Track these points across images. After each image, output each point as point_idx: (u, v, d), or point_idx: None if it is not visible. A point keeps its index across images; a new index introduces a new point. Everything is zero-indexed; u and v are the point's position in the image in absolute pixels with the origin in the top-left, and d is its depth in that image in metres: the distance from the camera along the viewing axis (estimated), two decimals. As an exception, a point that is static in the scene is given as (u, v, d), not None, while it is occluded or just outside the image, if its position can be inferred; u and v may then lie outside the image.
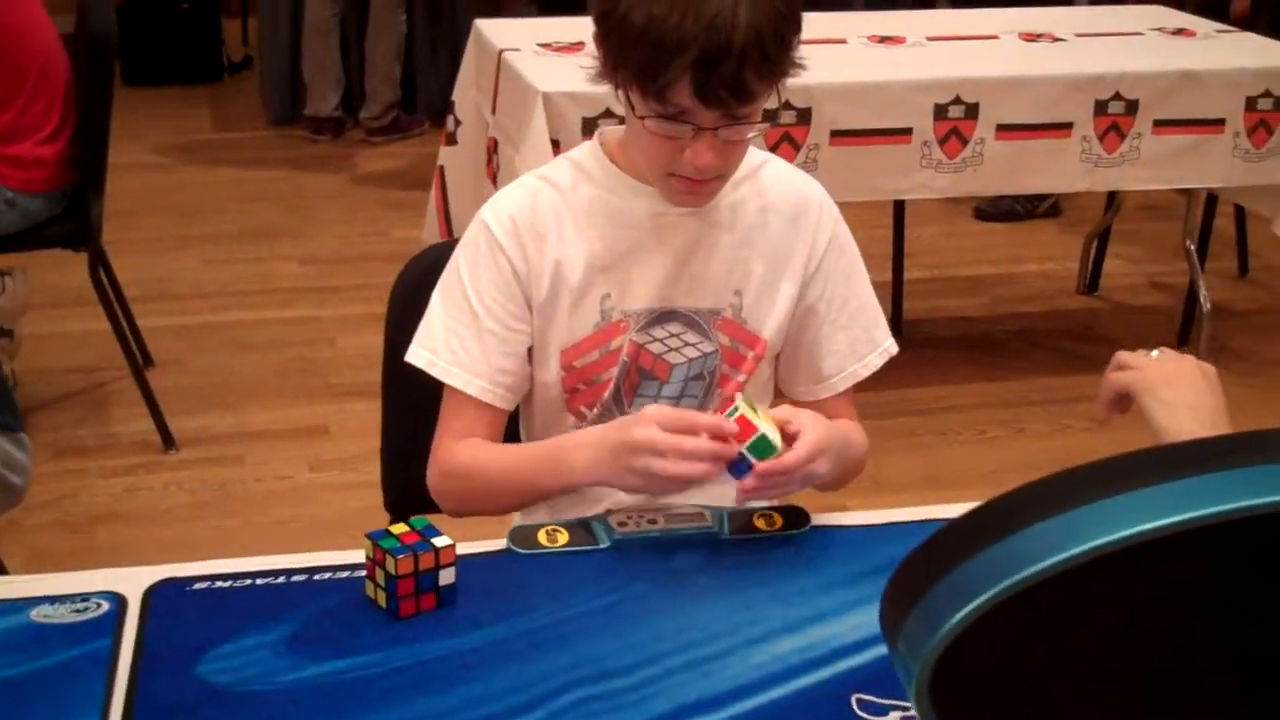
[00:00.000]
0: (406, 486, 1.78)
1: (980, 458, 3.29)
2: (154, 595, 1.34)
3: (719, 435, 1.37)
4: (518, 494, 1.57)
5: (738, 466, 1.38)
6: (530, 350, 1.57)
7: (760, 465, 1.37)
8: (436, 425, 1.59)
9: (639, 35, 1.38)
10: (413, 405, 1.70)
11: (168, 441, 3.24)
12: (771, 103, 1.49)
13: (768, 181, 1.61)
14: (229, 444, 3.28)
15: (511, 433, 1.66)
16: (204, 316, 3.94)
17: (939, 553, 0.61)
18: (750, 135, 1.48)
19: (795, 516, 1.48)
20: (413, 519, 1.36)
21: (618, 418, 1.52)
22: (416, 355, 1.56)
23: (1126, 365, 1.35)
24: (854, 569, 1.39)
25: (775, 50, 1.40)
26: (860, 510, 2.77)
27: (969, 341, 3.93)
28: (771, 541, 1.45)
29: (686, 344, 1.58)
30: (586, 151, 1.60)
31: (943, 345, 3.88)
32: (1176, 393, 1.31)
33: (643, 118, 1.44)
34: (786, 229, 1.59)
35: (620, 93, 1.47)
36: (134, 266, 3.93)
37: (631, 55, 1.40)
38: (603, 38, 1.45)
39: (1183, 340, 3.88)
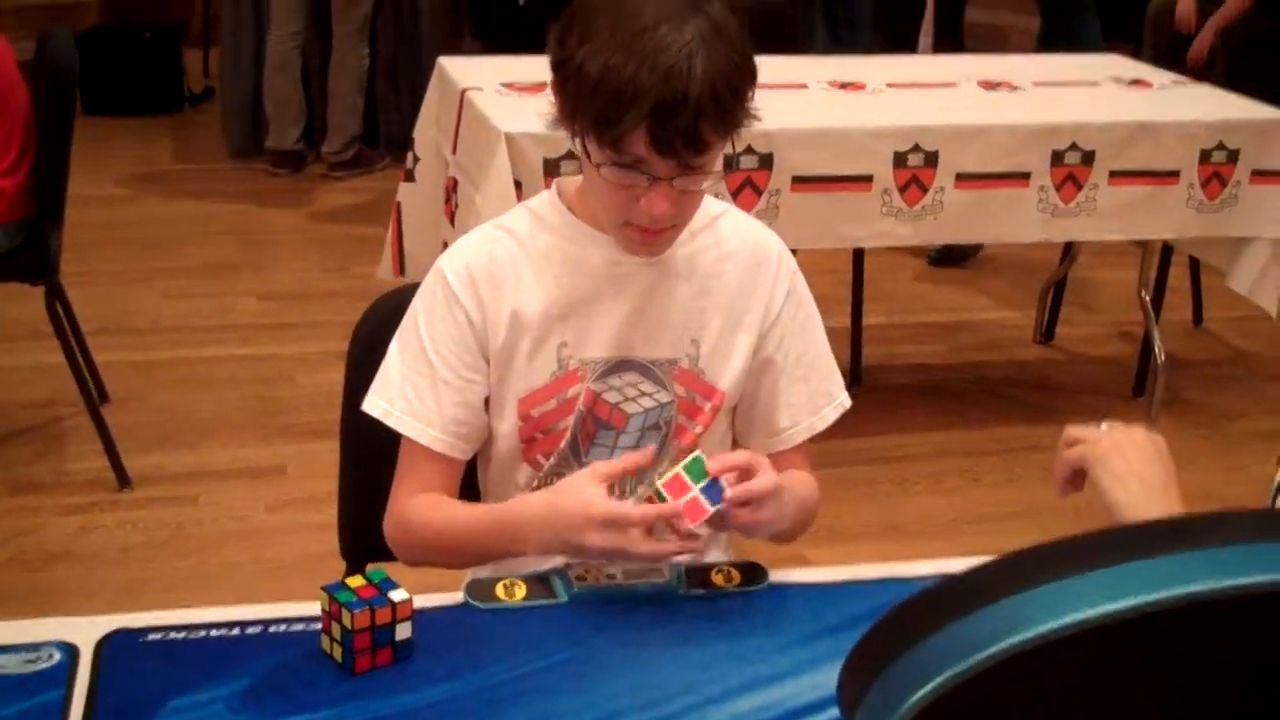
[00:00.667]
0: (364, 534, 1.77)
1: (938, 507, 3.30)
2: (106, 646, 1.33)
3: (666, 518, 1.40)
4: (469, 555, 1.58)
5: (710, 494, 1.39)
6: (487, 401, 1.58)
7: (733, 493, 1.39)
8: (394, 477, 1.59)
9: (595, 85, 1.39)
10: (371, 453, 1.69)
11: (123, 480, 3.20)
12: (732, 148, 1.50)
13: (725, 232, 1.61)
14: (185, 483, 3.25)
15: (469, 479, 1.66)
16: (162, 352, 3.92)
17: (900, 628, 0.61)
18: (705, 185, 1.49)
19: (753, 572, 1.48)
20: (369, 570, 1.35)
21: (567, 475, 1.52)
22: (373, 405, 1.57)
23: (1077, 440, 1.37)
24: (812, 627, 1.39)
25: (730, 101, 1.41)
26: (819, 560, 2.78)
27: (926, 389, 3.95)
28: (730, 598, 1.45)
29: (643, 393, 1.58)
30: (544, 200, 1.60)
31: (900, 392, 3.90)
32: (1127, 464, 1.33)
33: (598, 165, 1.45)
34: (744, 280, 1.60)
35: (576, 140, 1.48)
36: (91, 299, 3.90)
37: (588, 104, 1.41)
38: (559, 85, 1.46)
39: (1137, 391, 3.92)
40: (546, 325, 1.55)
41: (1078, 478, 1.38)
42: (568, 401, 1.57)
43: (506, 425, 1.58)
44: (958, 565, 1.50)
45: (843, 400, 1.67)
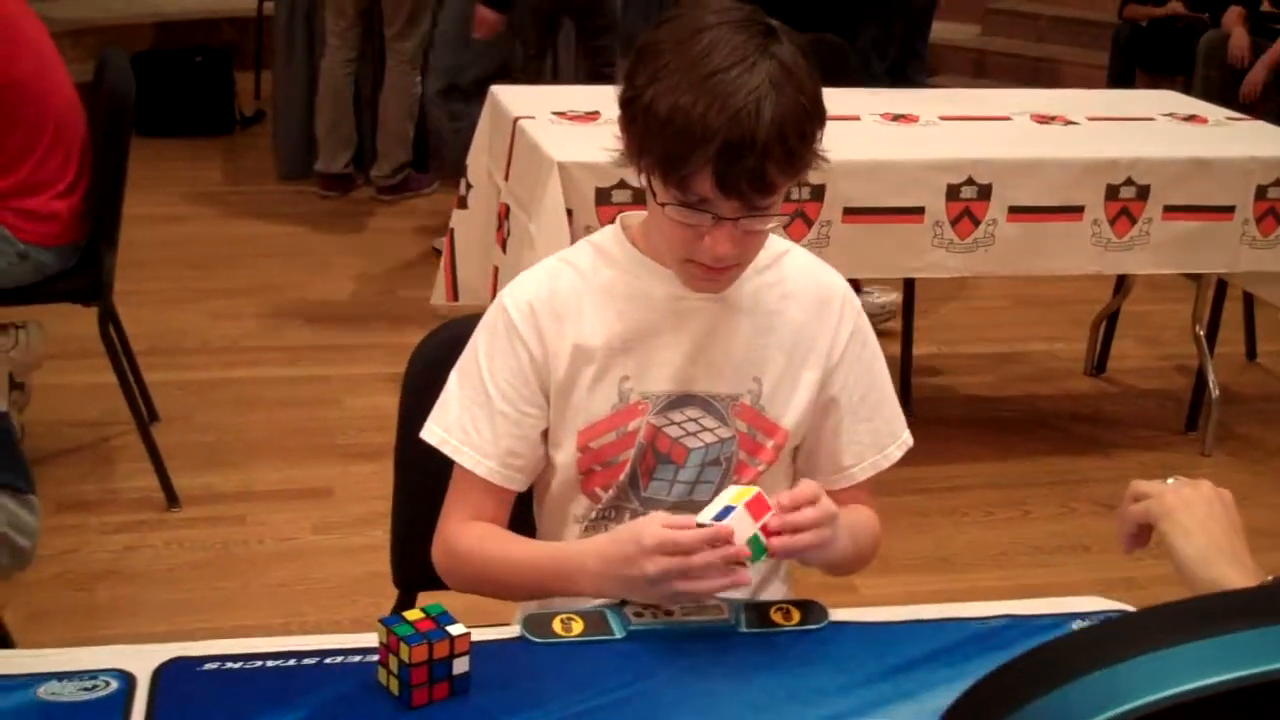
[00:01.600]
0: (416, 561, 1.77)
1: (988, 539, 3.28)
2: (163, 675, 1.32)
3: (718, 542, 1.37)
4: (520, 590, 1.59)
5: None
6: (545, 433, 1.58)
7: (786, 502, 1.39)
8: (444, 501, 1.59)
9: (663, 124, 1.39)
10: (425, 480, 1.69)
11: (171, 499, 3.22)
12: (797, 189, 1.49)
13: (789, 270, 1.61)
14: (232, 503, 3.26)
15: (522, 509, 1.65)
16: (211, 372, 3.94)
17: (984, 704, 0.60)
18: (770, 226, 1.48)
19: (813, 611, 1.46)
20: (427, 605, 1.34)
21: (624, 508, 1.51)
22: (430, 433, 1.58)
23: (1143, 495, 1.36)
24: (873, 669, 1.38)
25: (798, 145, 1.41)
26: (869, 590, 2.75)
27: (977, 420, 3.93)
28: (789, 637, 1.43)
29: (704, 428, 1.57)
30: (608, 235, 1.61)
31: (951, 423, 3.87)
32: (1194, 519, 1.31)
33: (663, 204, 1.45)
34: (808, 318, 1.60)
35: (643, 177, 1.48)
36: (142, 319, 3.93)
37: (654, 143, 1.41)
38: (627, 123, 1.46)
39: (1190, 426, 3.88)
40: (608, 358, 1.55)
41: (1144, 533, 1.37)
42: (628, 435, 1.56)
43: (565, 456, 1.57)
44: (1015, 605, 1.49)
45: (906, 439, 1.66)
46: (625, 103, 1.46)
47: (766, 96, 1.37)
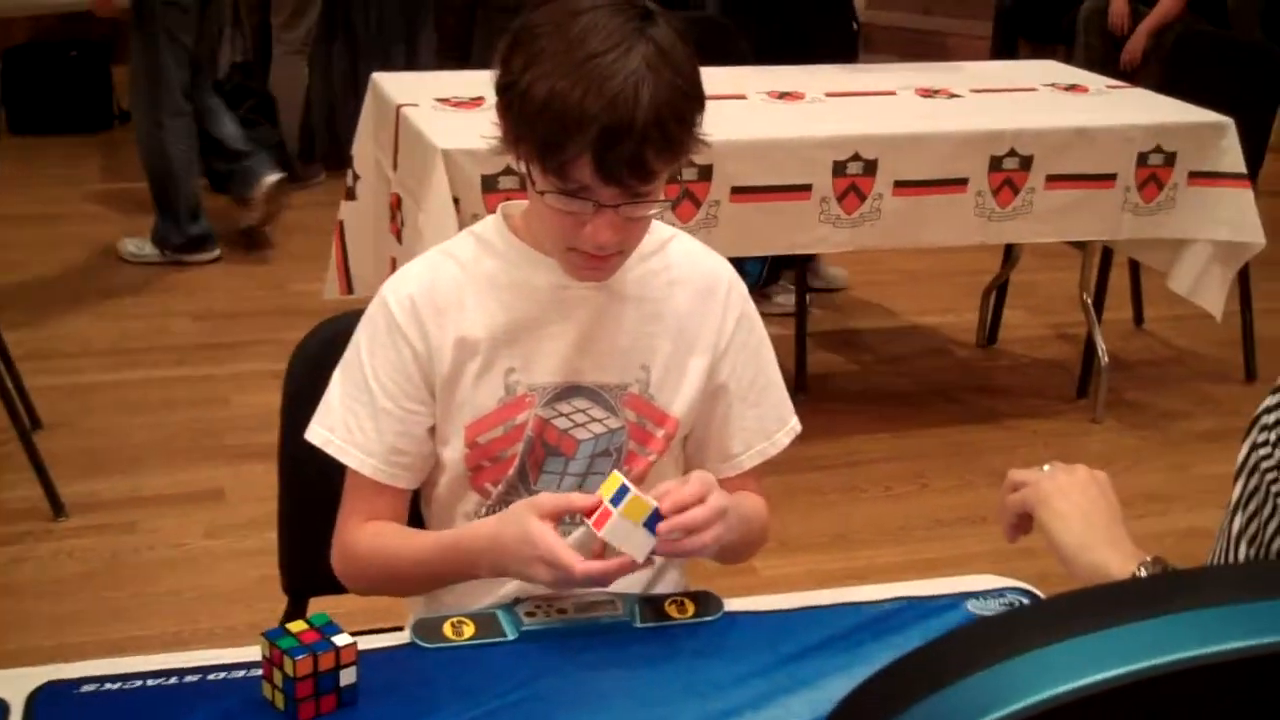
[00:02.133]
0: (305, 566, 1.74)
1: (887, 514, 3.29)
2: (38, 701, 1.27)
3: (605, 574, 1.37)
4: (420, 583, 1.57)
5: (647, 523, 1.35)
6: (432, 430, 1.55)
7: (669, 506, 1.36)
8: (340, 506, 1.56)
9: (540, 110, 1.36)
10: (311, 482, 1.66)
11: (57, 508, 3.13)
12: (679, 174, 1.47)
13: (675, 256, 1.59)
14: (121, 510, 3.18)
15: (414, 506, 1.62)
16: (94, 375, 3.84)
17: (866, 709, 0.58)
18: (652, 212, 1.46)
19: (707, 602, 1.45)
20: (312, 615, 1.31)
21: (518, 501, 1.49)
22: (314, 433, 1.55)
23: (1021, 483, 1.36)
24: (768, 658, 1.36)
25: (677, 130, 1.39)
26: (767, 571, 2.75)
27: (872, 395, 3.95)
28: (684, 630, 1.42)
29: (593, 419, 1.55)
30: (490, 225, 1.58)
31: (846, 399, 3.88)
32: (1070, 504, 1.32)
33: (543, 193, 1.42)
34: (695, 305, 1.58)
35: (521, 164, 1.45)
36: (20, 322, 3.83)
37: (532, 130, 1.39)
38: (503, 110, 1.43)
39: (1081, 393, 3.93)
40: (493, 351, 1.52)
41: (1024, 521, 1.37)
42: (516, 428, 1.54)
43: (453, 452, 1.55)
44: (909, 586, 1.49)
45: (794, 425, 1.65)
46: (501, 89, 1.43)
47: (644, 80, 1.35)
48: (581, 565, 1.36)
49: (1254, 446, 1.29)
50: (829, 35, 4.28)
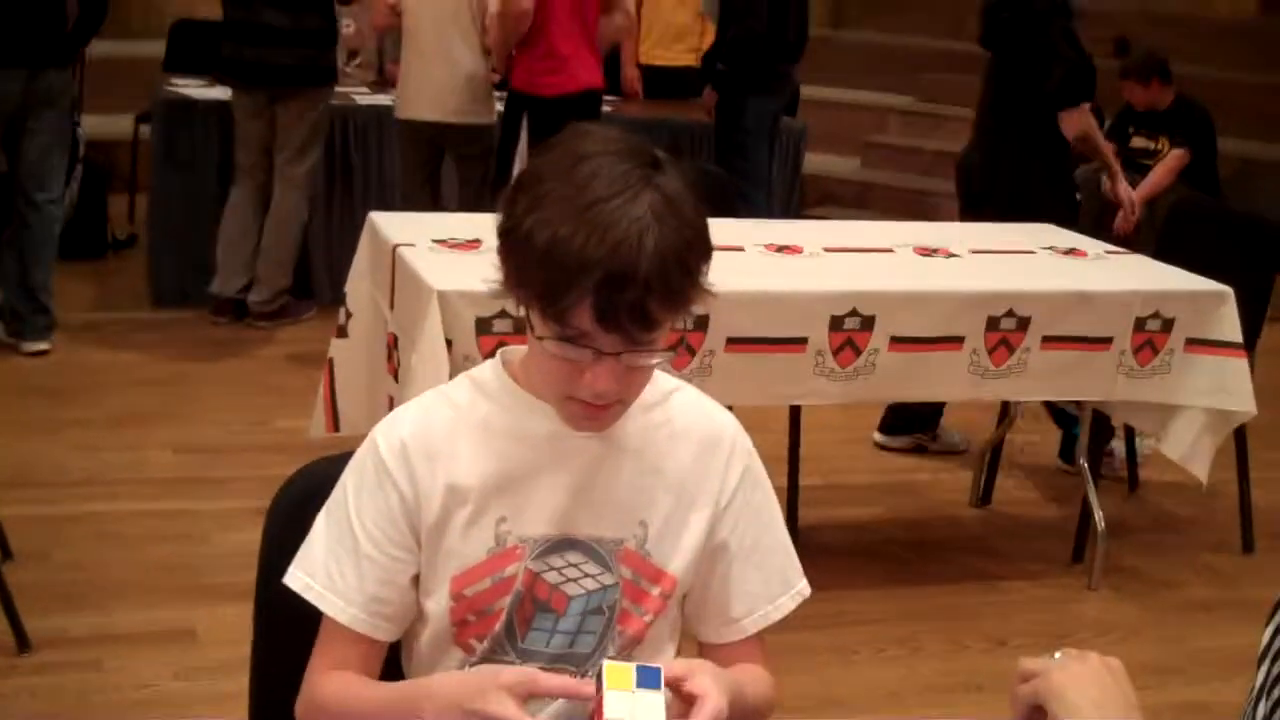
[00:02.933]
0: (278, 715, 1.65)
1: (880, 679, 3.20)
2: None
3: (577, 696, 1.29)
4: None
5: (641, 684, 1.28)
6: (417, 579, 1.48)
7: None
8: (312, 652, 1.50)
9: (542, 255, 1.32)
10: (288, 628, 1.59)
11: (22, 642, 3.03)
12: (683, 324, 1.43)
13: (677, 409, 1.55)
14: (88, 647, 3.08)
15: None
16: (69, 506, 3.75)
17: None
18: (654, 362, 1.42)
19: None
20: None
21: (484, 666, 1.42)
22: (294, 578, 1.49)
23: (1031, 673, 1.29)
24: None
25: (681, 278, 1.34)
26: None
27: (865, 552, 3.88)
28: (678, 804, 1.33)
29: (586, 575, 1.49)
30: (488, 369, 1.53)
31: (838, 554, 3.82)
32: (1084, 697, 1.25)
33: (541, 338, 1.38)
34: (697, 459, 1.53)
35: (521, 309, 1.41)
36: (-6, 451, 3.77)
37: (533, 275, 1.35)
38: (505, 254, 1.40)
39: (1076, 558, 3.86)
40: (484, 499, 1.46)
41: (1038, 715, 1.29)
42: (504, 581, 1.47)
43: (437, 605, 1.48)
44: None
45: (802, 588, 1.59)
46: (504, 233, 1.39)
47: (649, 228, 1.31)
48: None
49: (1278, 631, 1.24)
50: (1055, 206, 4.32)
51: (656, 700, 1.27)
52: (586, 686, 1.29)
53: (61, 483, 3.90)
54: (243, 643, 1.73)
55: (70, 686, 2.93)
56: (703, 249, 1.38)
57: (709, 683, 1.33)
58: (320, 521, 1.50)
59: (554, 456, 1.47)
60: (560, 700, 1.45)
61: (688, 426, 1.53)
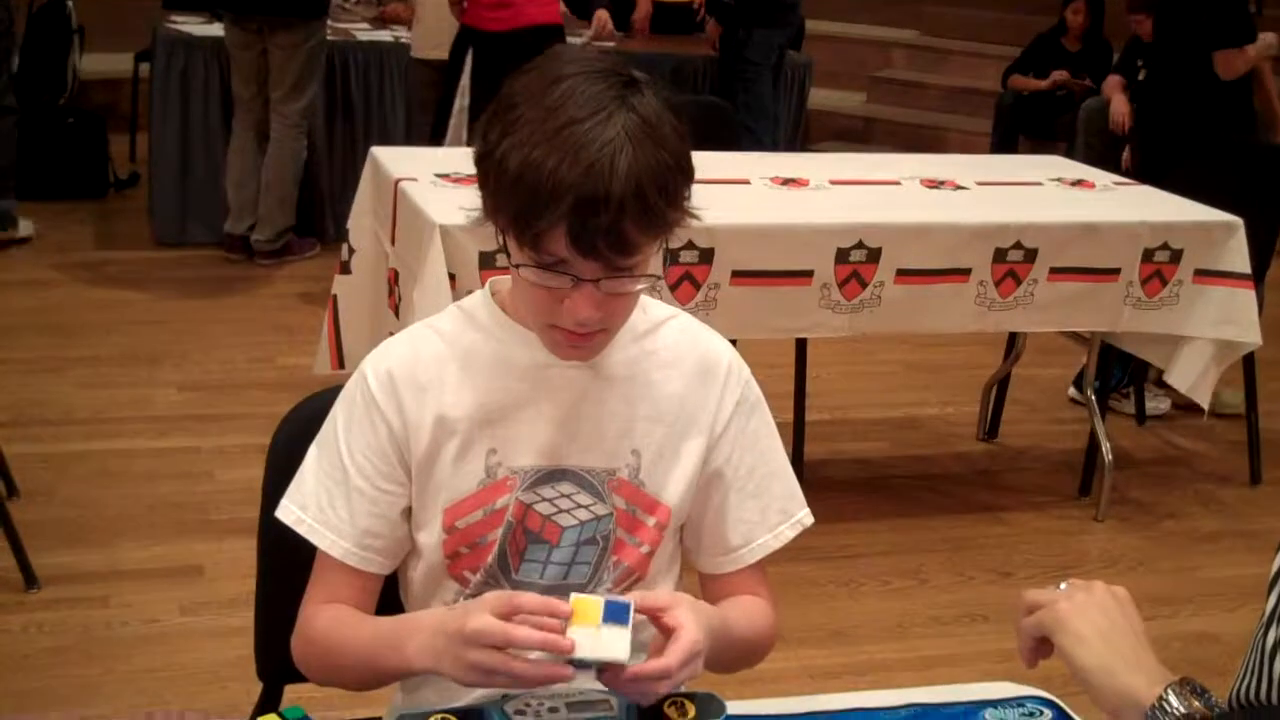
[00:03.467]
0: (281, 650, 1.65)
1: (885, 610, 3.20)
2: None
3: (554, 614, 1.27)
4: (360, 672, 1.45)
5: (608, 618, 1.26)
6: (409, 512, 1.47)
7: (630, 671, 1.26)
8: (307, 586, 1.49)
9: (514, 181, 1.28)
10: (290, 561, 1.57)
11: (29, 579, 3.03)
12: (675, 242, 1.40)
13: (670, 337, 1.51)
14: (95, 583, 3.08)
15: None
16: (75, 444, 3.75)
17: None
18: (636, 289, 1.38)
19: (709, 705, 1.36)
20: (285, 709, 1.22)
21: (477, 597, 1.41)
22: (285, 511, 1.48)
23: (1035, 604, 1.27)
24: (773, 766, 1.28)
25: (658, 201, 1.30)
26: (762, 667, 2.65)
27: (870, 485, 3.87)
28: (683, 732, 1.32)
29: (578, 505, 1.47)
30: (476, 299, 1.50)
31: (844, 490, 3.81)
32: (1090, 625, 1.23)
33: (518, 266, 1.34)
34: (690, 387, 1.50)
35: (499, 236, 1.38)
36: (2, 389, 3.75)
37: (507, 201, 1.31)
38: (482, 180, 1.36)
39: (1084, 490, 3.86)
40: (473, 430, 1.44)
41: (1043, 646, 1.27)
42: (495, 513, 1.45)
43: (430, 537, 1.47)
44: (922, 693, 1.40)
45: (802, 517, 1.56)
46: (479, 159, 1.35)
47: (622, 150, 1.27)
48: (519, 666, 1.26)
49: None
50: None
51: (621, 635, 1.25)
52: (564, 606, 1.27)
53: (67, 420, 3.89)
54: (249, 577, 1.73)
55: (78, 622, 2.93)
56: (682, 171, 1.33)
57: (687, 616, 1.31)
58: (311, 454, 1.48)
59: (543, 387, 1.45)
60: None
61: (680, 355, 1.51)
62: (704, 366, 1.51)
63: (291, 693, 1.67)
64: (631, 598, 1.30)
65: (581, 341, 1.39)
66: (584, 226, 1.27)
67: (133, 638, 2.90)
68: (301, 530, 1.46)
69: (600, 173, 1.26)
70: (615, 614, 1.26)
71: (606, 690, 1.34)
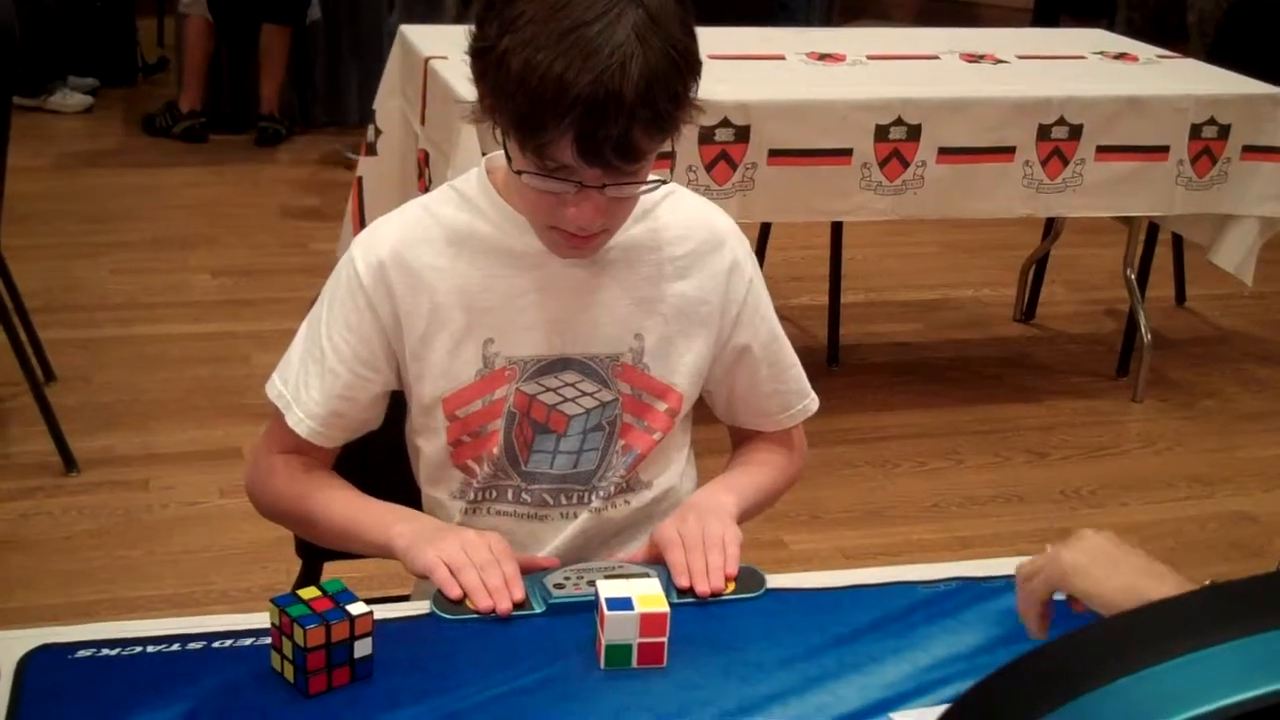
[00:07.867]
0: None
1: (920, 490, 3.19)
2: (29, 665, 1.19)
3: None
4: (330, 534, 1.48)
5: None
6: (381, 397, 1.46)
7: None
8: (265, 428, 1.50)
9: (518, 84, 1.22)
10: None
11: (69, 463, 3.05)
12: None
13: (672, 215, 1.46)
14: (134, 466, 3.10)
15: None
16: (110, 330, 3.75)
17: (993, 709, 0.48)
18: (640, 192, 1.34)
19: (750, 579, 1.35)
20: (325, 581, 1.22)
21: (508, 501, 1.47)
22: (272, 385, 1.47)
23: (1032, 573, 1.21)
24: (815, 640, 1.27)
25: (667, 105, 1.25)
26: (798, 545, 2.65)
27: (905, 368, 3.84)
28: (723, 607, 1.32)
29: (583, 393, 1.44)
30: (472, 181, 1.44)
31: (879, 371, 3.78)
32: (1089, 556, 1.17)
33: (520, 172, 1.29)
34: (694, 267, 1.46)
35: (497, 134, 1.32)
36: (36, 274, 3.75)
37: (509, 104, 1.25)
38: (479, 75, 1.29)
39: (1121, 371, 3.82)
40: (468, 318, 1.40)
41: (1051, 611, 1.22)
42: (494, 403, 1.42)
43: (434, 422, 1.45)
44: (962, 566, 1.38)
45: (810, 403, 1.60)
46: (476, 53, 1.28)
47: (634, 54, 1.21)
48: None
49: None
50: None
51: (653, 583, 1.26)
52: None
53: (101, 306, 3.89)
54: (288, 458, 1.72)
55: (118, 505, 2.95)
56: (690, 69, 1.28)
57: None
58: (301, 331, 1.46)
59: (540, 276, 1.41)
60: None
61: (683, 234, 1.46)
62: (708, 244, 1.47)
63: (330, 570, 1.67)
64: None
65: (582, 243, 1.36)
66: (592, 136, 1.23)
67: (173, 520, 2.92)
68: (281, 405, 1.45)
69: (611, 80, 1.21)
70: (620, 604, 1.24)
71: (645, 565, 1.34)
